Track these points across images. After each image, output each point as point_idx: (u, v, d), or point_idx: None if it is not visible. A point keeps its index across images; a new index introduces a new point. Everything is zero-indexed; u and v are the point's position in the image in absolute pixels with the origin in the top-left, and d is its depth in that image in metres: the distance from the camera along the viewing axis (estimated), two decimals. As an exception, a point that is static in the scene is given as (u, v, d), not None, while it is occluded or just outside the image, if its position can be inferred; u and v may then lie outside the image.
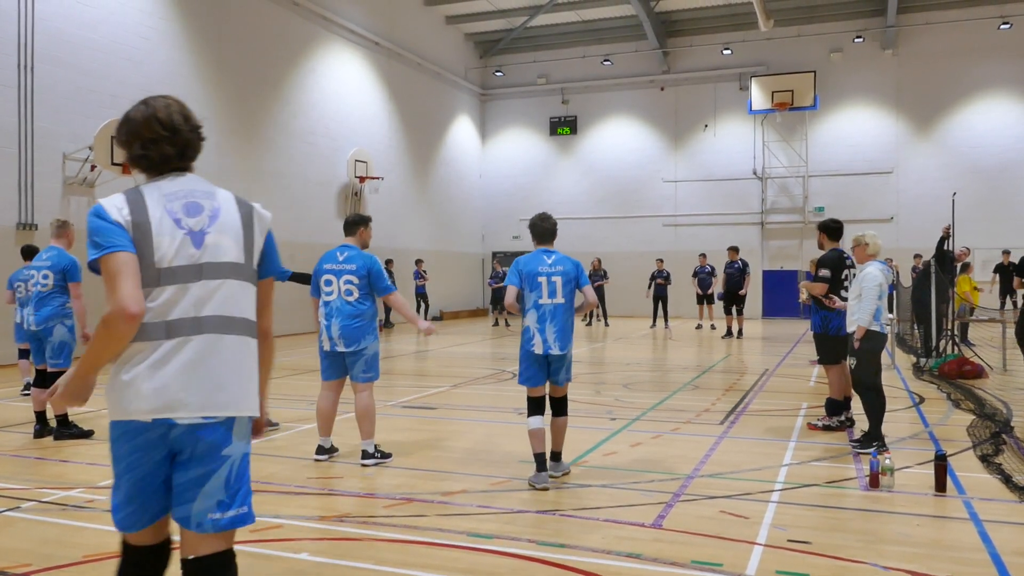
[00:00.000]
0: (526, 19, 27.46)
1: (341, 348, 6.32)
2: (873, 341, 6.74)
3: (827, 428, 7.68)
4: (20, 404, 9.51)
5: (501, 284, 22.86)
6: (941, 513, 5.14)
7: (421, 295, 22.64)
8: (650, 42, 27.32)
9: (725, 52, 26.86)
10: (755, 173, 26.89)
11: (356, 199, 22.52)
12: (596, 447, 7.02)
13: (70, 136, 14.34)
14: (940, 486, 5.49)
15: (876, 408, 6.73)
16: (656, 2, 26.20)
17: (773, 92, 25.57)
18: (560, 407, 5.99)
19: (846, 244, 7.69)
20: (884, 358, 7.52)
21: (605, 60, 28.28)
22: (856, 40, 25.43)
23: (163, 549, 2.60)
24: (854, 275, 7.38)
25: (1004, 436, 7.19)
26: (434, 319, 25.05)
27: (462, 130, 29.21)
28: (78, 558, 4.28)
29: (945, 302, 12.92)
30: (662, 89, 28.16)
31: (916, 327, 14.96)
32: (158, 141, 2.53)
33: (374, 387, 6.57)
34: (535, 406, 5.86)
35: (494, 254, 29.63)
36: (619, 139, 28.70)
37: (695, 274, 21.22)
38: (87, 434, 7.54)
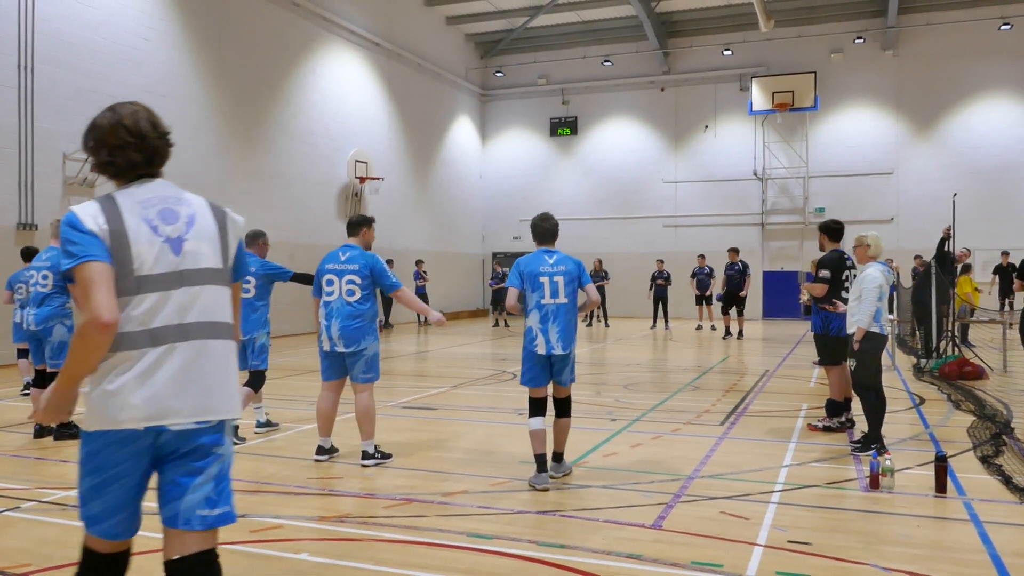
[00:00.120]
0: (526, 20, 27.46)
1: (341, 348, 6.32)
2: (873, 342, 6.73)
3: (827, 429, 7.68)
4: (20, 404, 9.52)
5: (501, 285, 22.89)
6: (941, 514, 5.14)
7: (421, 296, 22.59)
8: (650, 43, 27.32)
9: (725, 53, 26.84)
10: (755, 174, 26.88)
11: (356, 200, 22.52)
12: (596, 448, 7.02)
13: (70, 136, 14.33)
14: (940, 487, 5.49)
15: (876, 410, 6.72)
16: (656, 3, 26.20)
17: (773, 93, 25.59)
18: (564, 408, 5.99)
19: (847, 245, 7.69)
20: (884, 359, 7.51)
21: (605, 61, 28.27)
22: (856, 41, 25.43)
23: (126, 556, 2.63)
24: (854, 276, 7.38)
25: (1004, 437, 7.18)
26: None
27: (462, 131, 29.21)
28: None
29: (946, 303, 12.91)
30: (662, 90, 28.14)
31: (917, 328, 14.96)
32: (124, 147, 2.52)
33: (374, 387, 6.56)
34: (536, 407, 5.85)
35: (494, 255, 29.61)
36: (619, 140, 28.68)
37: (694, 275, 21.25)
38: (87, 434, 7.52)
